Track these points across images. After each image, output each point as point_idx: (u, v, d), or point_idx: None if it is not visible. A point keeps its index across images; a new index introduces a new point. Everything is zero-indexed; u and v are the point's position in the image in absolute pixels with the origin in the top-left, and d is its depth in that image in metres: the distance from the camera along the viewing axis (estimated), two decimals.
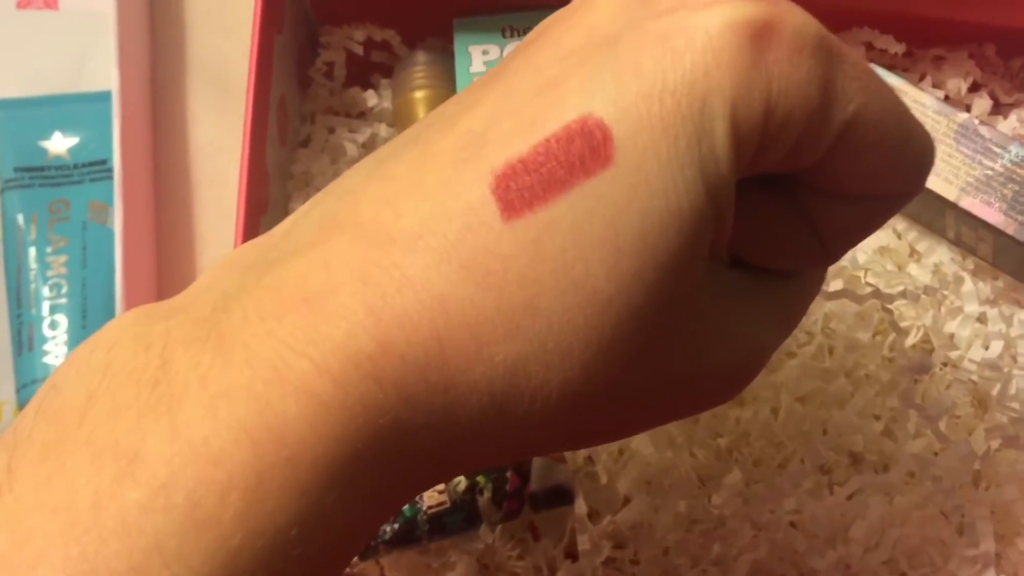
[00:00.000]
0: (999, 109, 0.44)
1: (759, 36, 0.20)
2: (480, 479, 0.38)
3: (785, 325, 0.25)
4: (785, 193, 0.24)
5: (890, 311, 0.38)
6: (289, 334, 0.19)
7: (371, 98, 0.46)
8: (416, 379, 0.20)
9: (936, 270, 0.41)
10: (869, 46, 0.44)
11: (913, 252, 0.42)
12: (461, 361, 0.20)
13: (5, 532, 0.18)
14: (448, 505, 0.37)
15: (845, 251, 0.26)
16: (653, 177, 0.20)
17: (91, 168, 0.46)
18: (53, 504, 0.18)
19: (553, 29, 0.23)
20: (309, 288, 0.20)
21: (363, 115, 0.46)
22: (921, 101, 0.38)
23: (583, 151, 0.20)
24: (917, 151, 0.24)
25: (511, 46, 0.42)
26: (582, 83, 0.20)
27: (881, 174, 0.23)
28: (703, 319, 0.22)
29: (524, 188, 0.20)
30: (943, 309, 0.40)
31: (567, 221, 0.20)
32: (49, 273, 0.44)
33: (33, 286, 0.44)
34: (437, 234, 0.20)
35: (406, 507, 0.37)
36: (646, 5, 0.22)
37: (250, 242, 0.23)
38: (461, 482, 0.38)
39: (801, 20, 0.21)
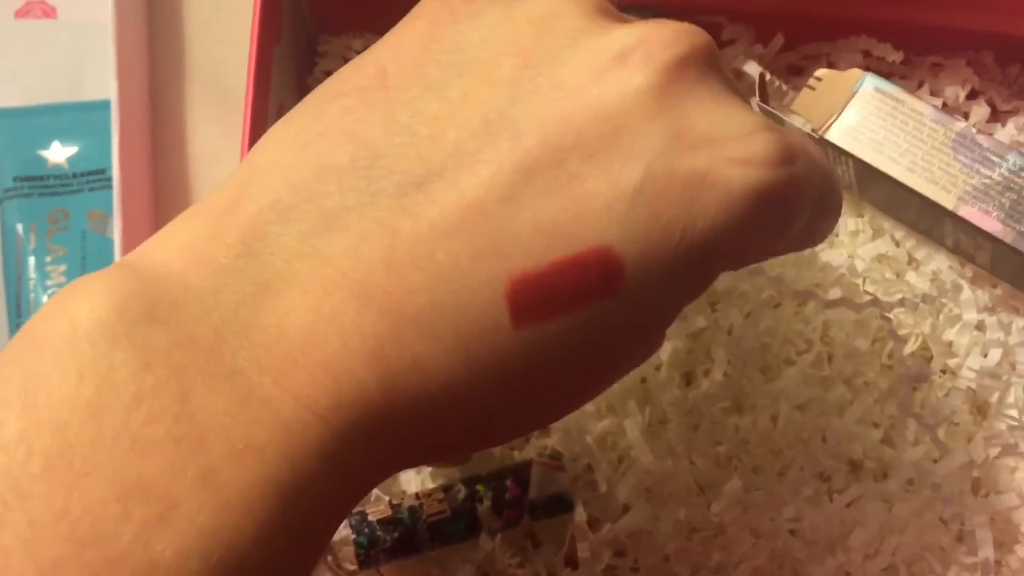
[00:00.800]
0: (997, 116, 0.44)
1: (777, 204, 0.22)
2: (480, 488, 0.38)
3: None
4: None
5: (888, 319, 0.38)
6: (309, 397, 0.20)
7: None
8: (417, 448, 0.22)
9: (934, 278, 0.41)
10: (867, 54, 0.44)
11: (911, 260, 0.42)
12: (452, 432, 0.22)
13: (30, 560, 0.18)
14: (448, 514, 0.37)
15: None
16: (651, 310, 0.22)
17: (90, 177, 0.46)
18: (80, 539, 0.18)
19: (574, 94, 0.22)
20: (322, 350, 0.20)
21: None
22: (919, 110, 0.38)
23: (595, 281, 0.21)
24: (837, 216, 0.26)
25: None
26: (605, 207, 0.21)
27: (810, 242, 0.26)
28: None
29: (537, 303, 0.21)
30: (941, 317, 0.40)
31: (566, 336, 0.21)
32: (49, 283, 0.44)
33: (33, 295, 0.44)
34: (449, 325, 0.21)
35: (406, 516, 0.37)
36: (677, 123, 0.22)
37: (209, 216, 0.22)
38: (461, 491, 0.38)
39: (814, 182, 0.23)
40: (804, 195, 0.23)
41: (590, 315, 0.21)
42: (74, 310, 0.20)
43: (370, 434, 0.21)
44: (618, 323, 0.22)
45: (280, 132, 0.23)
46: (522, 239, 0.21)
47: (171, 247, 0.22)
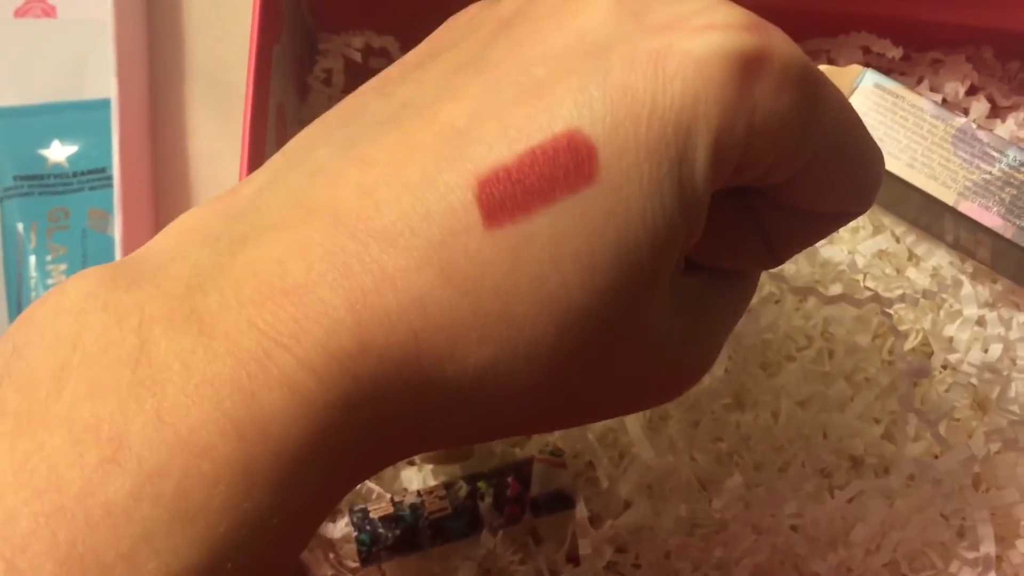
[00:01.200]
0: (997, 112, 0.45)
1: (748, 67, 0.21)
2: (481, 485, 0.38)
3: (730, 324, 0.27)
4: (740, 200, 0.25)
5: (889, 315, 0.38)
6: (271, 326, 0.19)
7: None
8: (392, 376, 0.20)
9: (935, 274, 0.41)
10: (866, 50, 0.44)
11: (912, 256, 0.42)
12: (435, 361, 0.20)
13: None
14: (450, 511, 0.37)
15: (791, 256, 0.27)
16: (633, 198, 0.21)
17: (90, 176, 0.46)
18: (36, 486, 0.18)
19: (540, 22, 0.22)
20: (288, 278, 0.20)
21: None
22: (919, 106, 0.39)
23: (568, 167, 0.20)
24: (872, 175, 0.25)
25: None
26: (571, 94, 0.21)
27: (837, 194, 0.25)
28: (662, 326, 0.23)
29: (507, 198, 0.20)
30: (942, 312, 0.41)
31: (546, 234, 0.20)
32: (49, 281, 0.44)
33: (34, 294, 0.44)
34: (418, 234, 0.20)
35: (408, 513, 0.37)
36: (639, 16, 0.22)
37: (210, 203, 0.23)
38: (463, 488, 0.38)
39: (788, 52, 0.22)
40: (783, 72, 0.21)
41: (570, 207, 0.20)
42: (64, 291, 0.21)
43: (344, 365, 0.20)
44: (599, 214, 0.20)
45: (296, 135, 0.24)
46: (488, 140, 0.20)
47: (169, 233, 0.22)
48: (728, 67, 0.21)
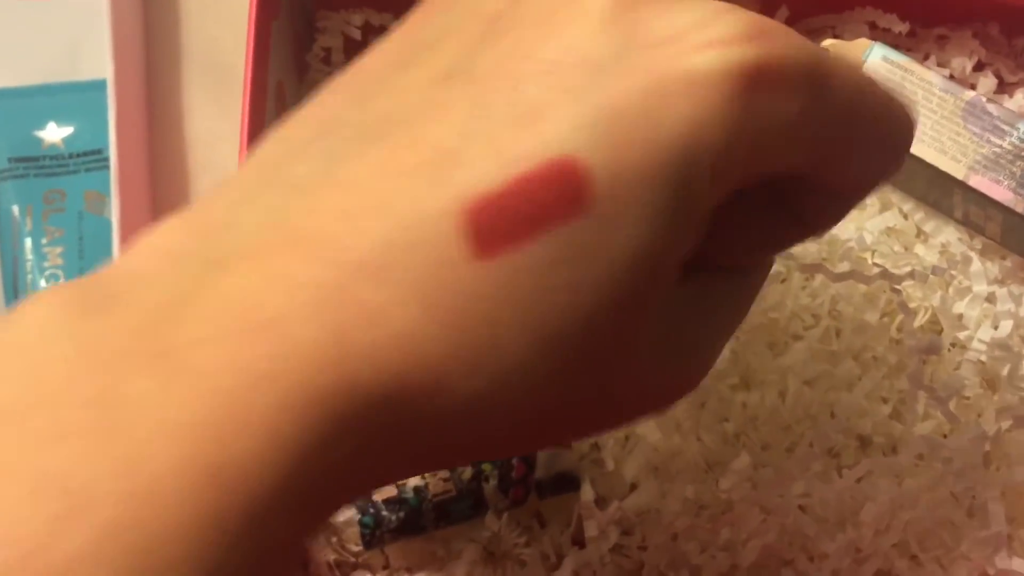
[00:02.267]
0: (1004, 88, 0.44)
1: (751, 83, 0.20)
2: (486, 467, 0.38)
3: (733, 324, 0.25)
4: (759, 188, 0.24)
5: (898, 292, 0.38)
6: (249, 364, 0.18)
7: None
8: (377, 415, 0.19)
9: (943, 250, 0.41)
10: (872, 25, 0.44)
11: (920, 232, 0.41)
12: (422, 396, 0.19)
13: None
14: (454, 493, 0.37)
15: (830, 228, 0.25)
16: (629, 226, 0.20)
17: (86, 158, 0.45)
18: None
19: (530, 31, 0.21)
20: (267, 310, 0.19)
21: None
22: (927, 79, 0.38)
23: (560, 195, 0.19)
24: (901, 130, 0.24)
25: None
26: (565, 116, 0.19)
27: (865, 165, 0.23)
28: (656, 340, 0.22)
29: (496, 228, 0.19)
30: (951, 289, 0.40)
31: (536, 265, 0.19)
32: (45, 264, 0.44)
33: (29, 277, 0.44)
34: (402, 266, 0.19)
35: (411, 495, 0.37)
36: (635, 26, 0.20)
37: (183, 217, 0.21)
38: (466, 470, 0.37)
39: (792, 55, 0.20)
40: (788, 79, 0.20)
41: (562, 236, 0.19)
42: (23, 315, 0.19)
43: (327, 404, 0.18)
44: (592, 244, 0.19)
45: (267, 136, 0.23)
46: (478, 165, 0.19)
47: (141, 251, 0.21)
48: (730, 86, 0.20)
